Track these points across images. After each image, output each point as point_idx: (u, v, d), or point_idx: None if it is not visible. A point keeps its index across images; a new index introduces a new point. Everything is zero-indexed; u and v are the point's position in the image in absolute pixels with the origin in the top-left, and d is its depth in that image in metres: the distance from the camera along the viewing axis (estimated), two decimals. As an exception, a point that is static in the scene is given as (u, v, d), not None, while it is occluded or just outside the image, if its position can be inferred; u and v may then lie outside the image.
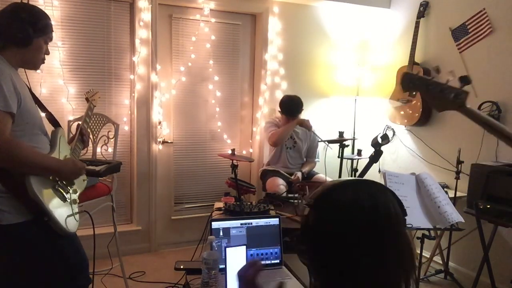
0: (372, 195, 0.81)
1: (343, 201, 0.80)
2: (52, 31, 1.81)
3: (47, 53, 1.81)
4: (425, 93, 1.28)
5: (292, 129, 3.59)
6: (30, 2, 3.04)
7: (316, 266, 0.83)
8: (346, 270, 0.78)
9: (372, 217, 0.78)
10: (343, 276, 0.78)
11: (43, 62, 1.82)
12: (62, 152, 1.84)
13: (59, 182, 1.75)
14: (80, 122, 2.10)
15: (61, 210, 1.72)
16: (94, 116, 3.12)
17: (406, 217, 0.85)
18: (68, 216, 1.76)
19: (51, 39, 1.81)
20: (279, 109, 3.64)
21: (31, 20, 1.70)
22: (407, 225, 0.88)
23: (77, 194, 1.88)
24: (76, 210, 1.84)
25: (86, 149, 2.34)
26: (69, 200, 1.80)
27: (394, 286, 0.79)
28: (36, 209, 1.63)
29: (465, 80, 1.26)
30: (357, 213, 0.78)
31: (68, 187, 1.81)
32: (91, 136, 2.75)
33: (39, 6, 3.00)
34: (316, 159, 3.90)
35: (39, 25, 1.72)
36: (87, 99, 2.23)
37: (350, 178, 0.87)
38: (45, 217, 1.65)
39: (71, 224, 1.76)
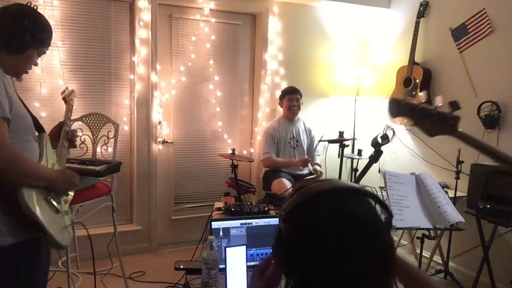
0: (347, 205, 0.78)
1: (317, 217, 0.77)
2: (49, 45, 1.70)
3: (36, 64, 1.69)
4: (414, 119, 1.26)
5: (288, 165, 3.65)
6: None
7: (290, 278, 0.82)
8: (319, 283, 0.77)
9: (348, 229, 0.76)
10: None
11: (27, 73, 1.69)
12: (50, 159, 1.73)
13: (51, 193, 1.64)
14: (66, 126, 1.97)
15: (55, 223, 1.62)
16: (94, 116, 3.13)
17: (392, 218, 0.83)
18: (61, 226, 1.67)
19: (44, 53, 1.70)
20: (280, 97, 3.74)
21: (33, 30, 1.59)
22: (393, 227, 0.85)
23: (67, 204, 1.78)
24: (69, 222, 1.75)
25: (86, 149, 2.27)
26: (61, 212, 1.69)
27: None
28: (30, 223, 1.51)
29: (454, 105, 1.24)
30: (331, 228, 0.76)
31: (60, 198, 1.71)
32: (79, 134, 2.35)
33: (39, 6, 3.03)
34: (317, 154, 3.90)
35: (38, 37, 1.62)
36: (64, 100, 2.08)
37: (325, 184, 0.82)
38: (41, 232, 1.54)
39: (65, 237, 1.68)
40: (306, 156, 3.77)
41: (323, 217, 0.77)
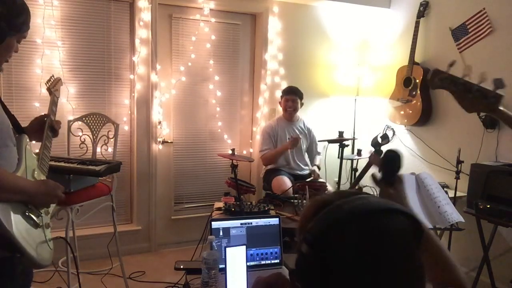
0: (381, 232, 0.71)
1: (347, 244, 0.70)
2: (29, 28, 1.52)
3: (16, 50, 1.52)
4: (454, 92, 1.21)
5: (283, 151, 3.64)
6: (29, 1, 3.04)
7: None
8: None
9: (382, 260, 0.70)
10: None
11: (7, 61, 1.52)
12: (30, 165, 1.55)
13: (29, 206, 1.46)
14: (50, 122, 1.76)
15: (34, 240, 1.45)
16: (94, 116, 3.12)
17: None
18: (41, 243, 1.49)
19: (25, 37, 1.53)
20: (281, 96, 3.76)
21: (8, 16, 1.40)
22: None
23: (49, 215, 1.61)
24: (49, 235, 1.56)
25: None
26: (41, 225, 1.51)
27: None
28: (4, 245, 1.35)
29: (498, 83, 1.20)
30: (364, 258, 0.70)
31: (40, 211, 1.53)
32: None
33: (39, 6, 3.03)
34: (317, 154, 3.90)
35: (15, 22, 1.43)
36: (49, 90, 1.86)
37: (355, 202, 0.74)
38: (17, 253, 1.38)
39: (45, 256, 1.50)
40: (304, 155, 3.79)
41: (359, 244, 0.70)
